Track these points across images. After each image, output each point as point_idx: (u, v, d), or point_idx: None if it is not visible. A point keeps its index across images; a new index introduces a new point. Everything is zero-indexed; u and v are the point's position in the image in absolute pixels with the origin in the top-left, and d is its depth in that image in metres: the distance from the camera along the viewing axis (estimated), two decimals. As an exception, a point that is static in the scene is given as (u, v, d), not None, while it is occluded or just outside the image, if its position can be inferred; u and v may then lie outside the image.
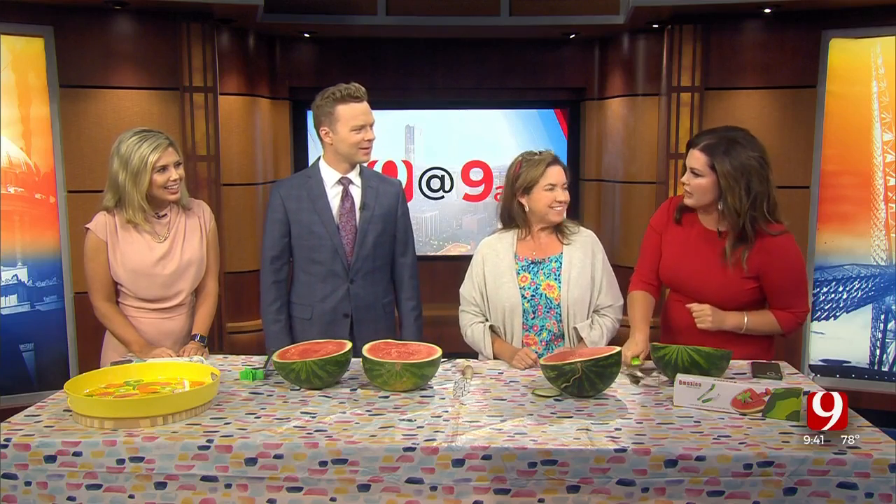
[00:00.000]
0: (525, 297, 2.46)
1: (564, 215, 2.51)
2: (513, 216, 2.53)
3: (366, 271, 2.65)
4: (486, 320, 2.51)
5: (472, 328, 2.52)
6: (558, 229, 2.52)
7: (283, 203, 2.63)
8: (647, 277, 2.50)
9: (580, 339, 2.44)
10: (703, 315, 2.29)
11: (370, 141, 2.58)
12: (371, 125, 2.58)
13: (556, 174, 2.45)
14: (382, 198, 2.66)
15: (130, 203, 2.41)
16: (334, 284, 2.64)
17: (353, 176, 2.65)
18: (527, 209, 2.50)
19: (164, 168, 2.41)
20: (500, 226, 2.60)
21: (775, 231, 2.26)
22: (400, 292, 2.76)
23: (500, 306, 2.48)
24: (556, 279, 2.46)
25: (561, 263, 2.48)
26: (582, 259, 2.48)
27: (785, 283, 2.30)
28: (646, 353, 2.30)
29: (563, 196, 2.47)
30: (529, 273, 2.49)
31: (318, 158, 2.68)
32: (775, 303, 2.32)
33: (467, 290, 2.56)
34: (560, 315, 2.45)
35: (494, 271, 2.50)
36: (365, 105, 2.56)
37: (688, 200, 2.33)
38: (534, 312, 2.47)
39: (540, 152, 2.51)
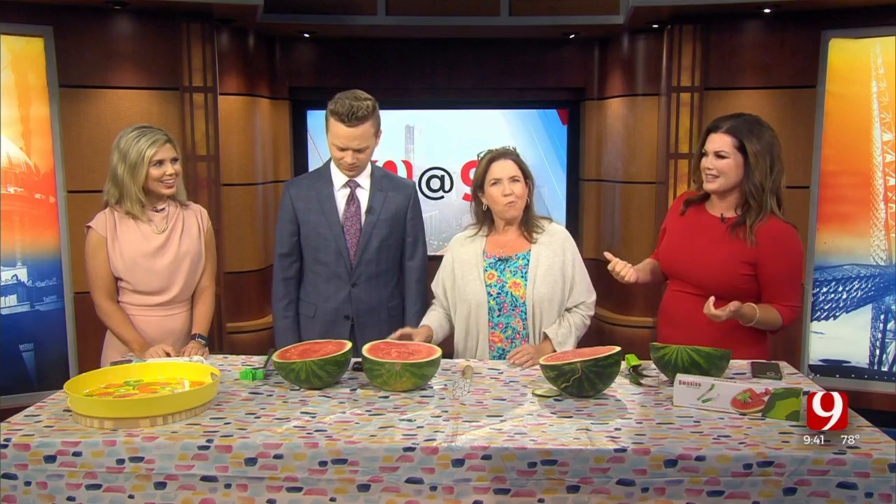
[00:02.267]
0: (491, 295, 2.48)
1: (519, 209, 2.46)
2: (480, 214, 2.56)
3: (369, 275, 2.64)
4: (448, 315, 2.56)
5: (426, 315, 2.60)
6: (526, 226, 2.50)
7: (293, 203, 2.64)
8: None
9: (547, 338, 2.44)
10: (712, 312, 2.24)
11: (350, 164, 2.54)
12: (358, 149, 2.51)
13: (500, 168, 2.45)
14: (391, 202, 2.64)
15: (128, 195, 2.47)
16: (337, 286, 2.64)
17: (362, 179, 2.64)
18: (485, 207, 2.52)
19: (160, 163, 2.47)
20: (473, 222, 2.61)
21: (783, 219, 2.35)
22: (406, 296, 2.74)
23: (465, 303, 2.50)
24: (522, 277, 2.46)
25: (528, 261, 2.47)
26: (550, 257, 2.47)
27: (783, 272, 2.33)
28: (642, 271, 2.44)
29: (510, 189, 2.43)
30: (496, 270, 2.49)
31: (330, 159, 2.67)
32: (770, 294, 2.34)
33: (435, 284, 2.61)
34: (525, 313, 2.46)
35: (462, 268, 2.52)
36: (352, 130, 2.47)
37: (710, 186, 2.37)
38: (499, 310, 2.48)
39: (492, 148, 2.51)
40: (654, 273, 2.56)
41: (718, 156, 2.33)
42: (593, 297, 2.54)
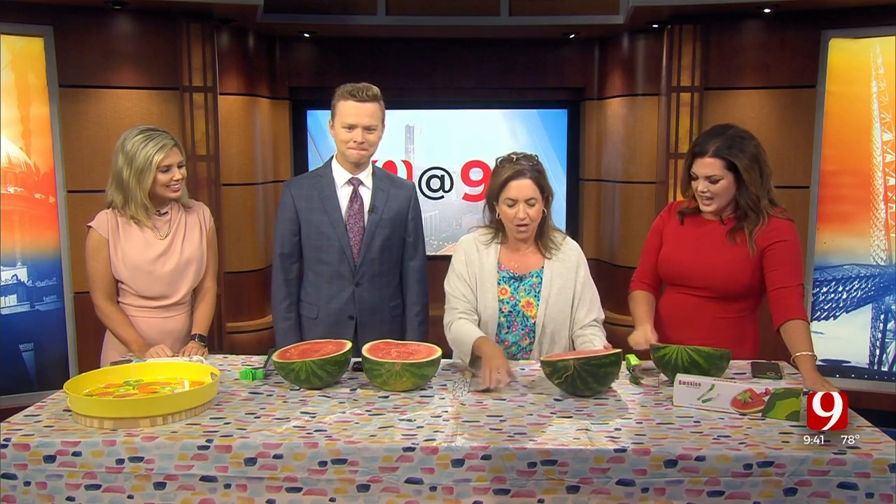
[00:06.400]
0: (502, 312, 2.39)
1: (531, 231, 2.34)
2: (494, 222, 2.42)
3: (372, 274, 2.63)
4: (478, 320, 2.38)
5: (458, 324, 2.34)
6: (542, 241, 2.40)
7: (294, 202, 2.62)
8: (646, 278, 2.53)
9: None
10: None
11: (357, 143, 2.51)
12: (366, 127, 2.50)
13: (517, 189, 2.27)
14: (392, 201, 2.63)
15: (134, 200, 2.43)
16: (340, 286, 2.63)
17: (364, 177, 2.63)
18: (498, 216, 2.37)
19: (168, 168, 2.43)
20: (485, 222, 2.45)
21: (781, 214, 2.35)
22: (407, 296, 2.72)
23: (479, 314, 2.39)
24: (535, 296, 2.38)
25: (542, 279, 2.39)
26: (564, 276, 2.39)
27: (786, 255, 2.29)
28: (653, 338, 2.31)
29: (524, 213, 2.27)
30: (510, 287, 2.39)
31: (331, 158, 2.67)
32: (776, 279, 2.29)
33: (455, 288, 2.40)
34: (534, 333, 2.40)
35: (479, 276, 2.39)
36: (363, 107, 2.48)
37: (708, 209, 2.36)
38: (508, 327, 2.40)
39: (514, 157, 2.33)
40: (652, 305, 2.50)
41: (711, 180, 2.31)
42: (602, 315, 2.46)
